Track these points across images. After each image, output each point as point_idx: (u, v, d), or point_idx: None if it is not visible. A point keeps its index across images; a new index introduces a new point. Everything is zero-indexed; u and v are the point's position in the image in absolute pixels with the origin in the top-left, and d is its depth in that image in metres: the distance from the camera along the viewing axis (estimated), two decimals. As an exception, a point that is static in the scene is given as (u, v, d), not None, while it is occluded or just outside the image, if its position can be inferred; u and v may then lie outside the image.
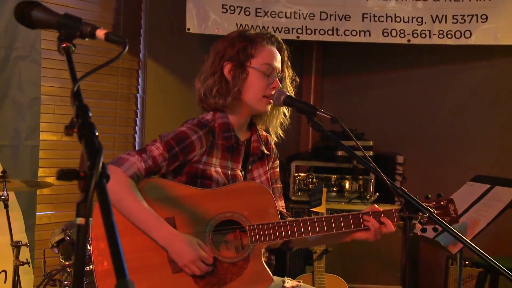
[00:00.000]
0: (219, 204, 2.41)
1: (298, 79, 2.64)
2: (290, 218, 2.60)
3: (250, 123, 2.64)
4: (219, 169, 2.49)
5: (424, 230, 2.39)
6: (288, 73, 2.61)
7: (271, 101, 2.52)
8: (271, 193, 2.49)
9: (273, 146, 2.73)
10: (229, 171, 2.52)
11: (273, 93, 2.50)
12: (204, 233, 2.38)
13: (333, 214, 2.47)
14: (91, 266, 2.42)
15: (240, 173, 2.57)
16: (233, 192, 2.46)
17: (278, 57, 2.55)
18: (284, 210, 2.71)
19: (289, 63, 2.63)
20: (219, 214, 2.40)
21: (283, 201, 2.74)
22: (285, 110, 2.64)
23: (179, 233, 2.33)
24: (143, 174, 2.35)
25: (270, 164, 2.71)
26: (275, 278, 2.59)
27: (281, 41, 2.60)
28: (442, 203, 2.46)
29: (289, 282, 2.61)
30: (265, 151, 2.65)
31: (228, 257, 2.40)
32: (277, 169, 2.76)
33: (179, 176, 2.49)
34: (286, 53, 2.61)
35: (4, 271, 3.86)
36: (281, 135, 2.68)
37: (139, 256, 2.31)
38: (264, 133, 2.69)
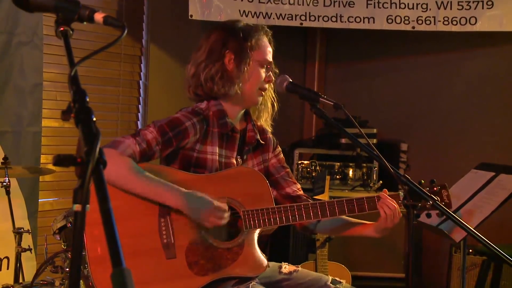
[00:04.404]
0: (213, 189, 2.40)
1: (278, 70, 2.65)
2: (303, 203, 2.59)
3: (245, 113, 2.66)
4: (216, 157, 2.49)
5: (429, 215, 2.37)
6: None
7: (263, 93, 2.58)
8: (265, 178, 2.50)
9: (270, 136, 2.73)
10: (223, 159, 2.52)
11: (266, 86, 2.57)
12: None
13: (328, 200, 2.47)
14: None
15: (235, 162, 2.57)
16: (227, 177, 2.46)
17: (271, 50, 2.61)
18: (302, 192, 2.72)
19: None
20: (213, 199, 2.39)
21: (298, 184, 2.75)
22: (272, 103, 2.67)
23: (188, 191, 2.32)
24: (138, 157, 2.34)
25: (268, 154, 2.71)
26: (272, 263, 2.59)
27: (271, 34, 2.64)
28: (435, 188, 2.46)
29: (286, 267, 2.61)
30: (260, 141, 2.66)
31: (223, 243, 2.40)
32: (281, 155, 2.76)
33: (172, 164, 2.49)
34: (272, 45, 2.64)
35: (7, 257, 3.86)
36: (271, 127, 2.71)
37: (133, 242, 2.30)
38: (259, 123, 2.70)
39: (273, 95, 2.67)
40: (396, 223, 2.42)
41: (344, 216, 2.60)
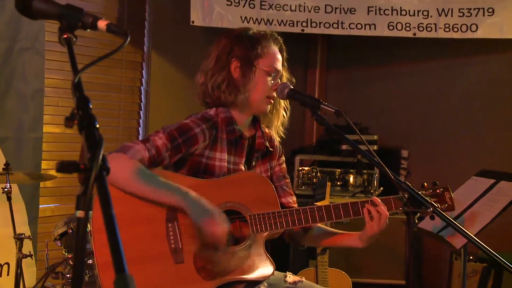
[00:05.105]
0: (219, 194, 2.41)
1: (294, 80, 2.65)
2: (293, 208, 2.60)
3: (253, 120, 2.66)
4: (224, 164, 2.50)
5: (432, 217, 2.37)
6: (286, 74, 2.64)
7: (271, 101, 2.56)
8: (271, 183, 2.51)
9: (277, 144, 2.74)
10: (231, 166, 2.52)
11: (274, 94, 2.55)
12: None
13: (333, 203, 2.48)
14: (91, 260, 2.40)
15: (243, 168, 2.57)
16: (233, 182, 2.47)
17: (280, 58, 2.59)
18: (296, 205, 2.72)
19: (285, 64, 2.64)
20: (220, 204, 2.40)
21: (294, 196, 2.76)
22: (284, 109, 2.67)
23: (197, 198, 2.30)
24: (147, 163, 2.33)
25: (274, 162, 2.72)
26: (277, 273, 2.59)
27: (282, 42, 2.63)
28: (438, 191, 2.48)
29: (290, 277, 2.62)
30: (269, 148, 2.66)
31: (230, 247, 2.40)
32: (284, 165, 2.78)
33: (180, 170, 2.49)
34: (285, 54, 2.63)
35: (7, 263, 3.86)
36: (282, 135, 2.72)
37: (141, 247, 2.30)
38: (267, 130, 2.70)
39: (285, 103, 2.66)
40: (382, 229, 2.42)
41: (328, 227, 2.66)
